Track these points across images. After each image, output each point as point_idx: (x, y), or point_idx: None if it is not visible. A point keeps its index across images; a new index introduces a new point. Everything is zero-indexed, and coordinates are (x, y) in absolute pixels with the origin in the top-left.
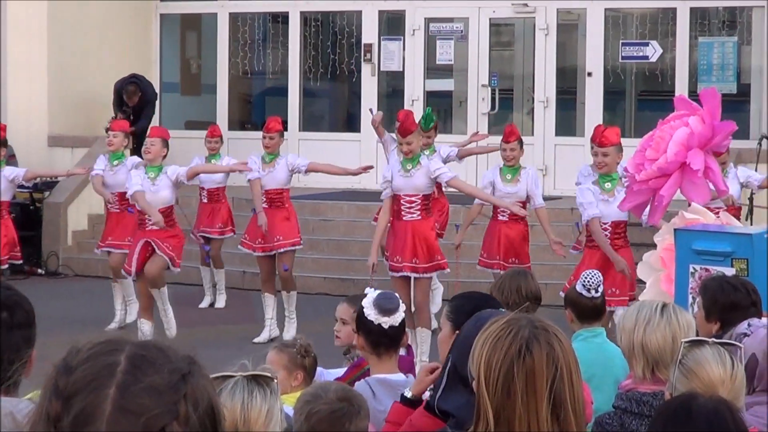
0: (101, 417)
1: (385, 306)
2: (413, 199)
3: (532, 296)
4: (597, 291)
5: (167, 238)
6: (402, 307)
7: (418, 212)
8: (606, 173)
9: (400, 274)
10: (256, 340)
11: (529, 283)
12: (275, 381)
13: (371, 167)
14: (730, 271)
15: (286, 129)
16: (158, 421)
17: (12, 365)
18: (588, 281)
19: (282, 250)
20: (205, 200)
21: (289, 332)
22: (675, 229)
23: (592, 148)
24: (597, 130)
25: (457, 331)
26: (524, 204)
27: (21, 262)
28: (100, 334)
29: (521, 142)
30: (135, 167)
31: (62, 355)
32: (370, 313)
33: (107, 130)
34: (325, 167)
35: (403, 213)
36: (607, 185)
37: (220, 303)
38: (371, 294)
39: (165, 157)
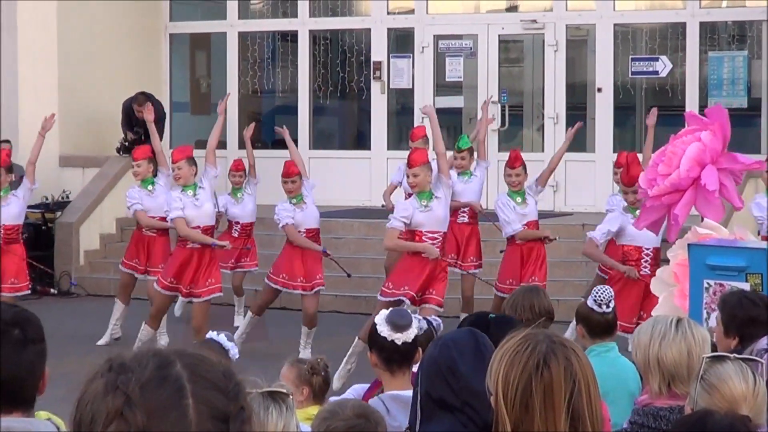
0: (190, 423)
1: (397, 322)
2: (435, 236)
3: (545, 312)
4: (608, 306)
5: (207, 271)
6: (415, 323)
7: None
8: (636, 207)
9: (394, 299)
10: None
11: (541, 299)
12: (291, 397)
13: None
14: (744, 286)
15: (296, 145)
16: (227, 410)
17: (27, 382)
18: (599, 297)
19: (318, 288)
20: (236, 234)
21: (306, 355)
22: (688, 244)
23: (615, 173)
24: (622, 165)
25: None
26: (536, 223)
27: (28, 292)
28: (123, 349)
29: (525, 166)
30: (172, 189)
31: (95, 370)
32: (383, 330)
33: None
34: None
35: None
36: (638, 212)
37: (238, 322)
38: (383, 311)
39: (196, 173)
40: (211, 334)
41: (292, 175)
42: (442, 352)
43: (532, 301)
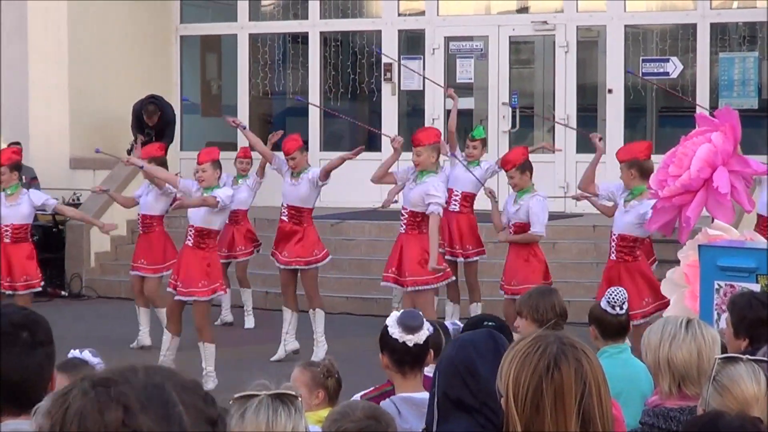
0: (188, 428)
1: (409, 324)
2: (403, 213)
3: (564, 312)
4: (622, 308)
5: (201, 270)
6: (426, 324)
7: (404, 226)
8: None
9: (384, 283)
10: (273, 358)
11: (560, 299)
12: (299, 399)
13: (363, 148)
14: (755, 287)
15: (307, 149)
16: (212, 414)
17: (35, 385)
18: (613, 298)
19: (295, 267)
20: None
21: (318, 355)
22: (699, 246)
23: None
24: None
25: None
26: (525, 226)
27: (40, 288)
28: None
29: (522, 168)
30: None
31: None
32: (395, 332)
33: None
34: (330, 163)
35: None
36: (627, 196)
37: (249, 324)
38: (395, 313)
39: (220, 177)
40: (74, 352)
41: (291, 152)
42: (461, 353)
43: (552, 302)
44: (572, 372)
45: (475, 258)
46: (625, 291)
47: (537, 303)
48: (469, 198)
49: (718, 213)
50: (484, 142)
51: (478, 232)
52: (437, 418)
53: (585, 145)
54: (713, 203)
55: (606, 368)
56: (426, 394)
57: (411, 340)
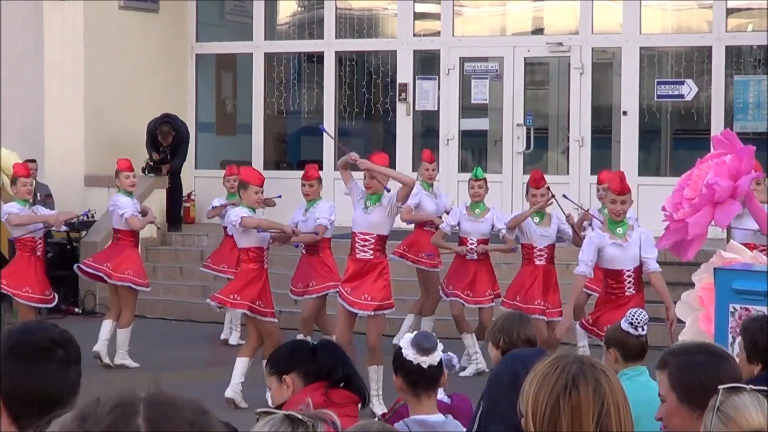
0: None
1: (423, 345)
2: (368, 237)
3: (527, 341)
4: (644, 329)
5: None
6: (440, 346)
7: (371, 252)
8: (621, 220)
9: (348, 307)
10: None
11: (527, 327)
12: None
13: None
14: None
15: (321, 168)
16: None
17: (70, 402)
18: (635, 319)
19: (315, 295)
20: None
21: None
22: (714, 268)
23: (603, 192)
24: (611, 177)
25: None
26: (553, 247)
27: (53, 304)
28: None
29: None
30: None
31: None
32: (409, 353)
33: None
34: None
35: (357, 251)
36: (619, 230)
37: (233, 340)
38: (408, 335)
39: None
40: None
41: (310, 178)
42: (508, 367)
43: (519, 330)
44: (590, 391)
45: (490, 304)
46: (645, 313)
47: (503, 327)
48: (484, 244)
49: (721, 216)
50: (486, 181)
51: (495, 275)
52: (476, 428)
53: (599, 166)
54: (719, 211)
55: (626, 392)
56: (440, 416)
57: (425, 361)
